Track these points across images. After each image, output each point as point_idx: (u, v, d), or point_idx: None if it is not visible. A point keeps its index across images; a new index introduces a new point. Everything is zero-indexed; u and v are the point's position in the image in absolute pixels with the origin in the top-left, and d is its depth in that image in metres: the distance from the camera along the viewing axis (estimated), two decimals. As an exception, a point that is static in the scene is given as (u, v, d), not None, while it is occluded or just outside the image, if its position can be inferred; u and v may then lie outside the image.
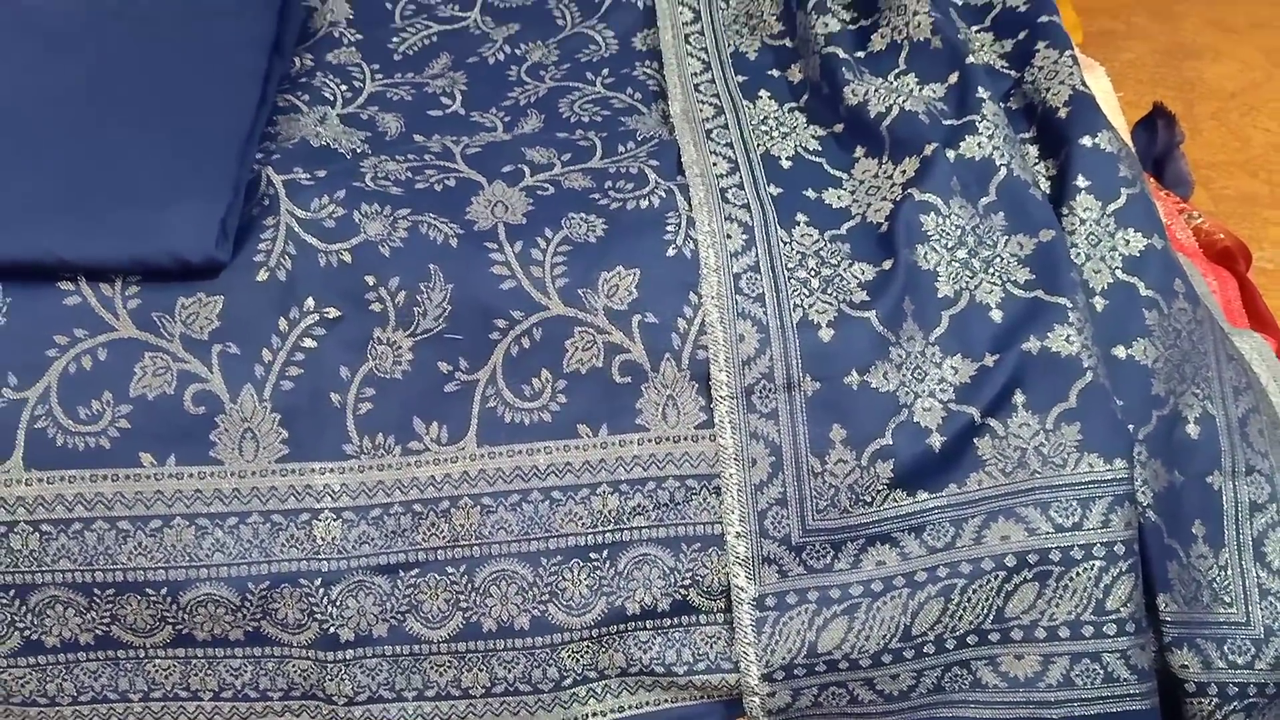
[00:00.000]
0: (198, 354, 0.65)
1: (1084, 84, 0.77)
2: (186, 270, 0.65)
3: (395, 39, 0.90)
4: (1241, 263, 0.82)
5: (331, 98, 0.82)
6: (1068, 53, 0.79)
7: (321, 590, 0.65)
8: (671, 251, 0.68)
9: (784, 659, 0.64)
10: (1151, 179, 0.91)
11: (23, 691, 0.67)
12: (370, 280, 0.66)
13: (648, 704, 0.67)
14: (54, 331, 0.65)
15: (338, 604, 0.65)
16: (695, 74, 0.83)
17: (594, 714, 0.67)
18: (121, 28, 0.77)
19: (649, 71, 0.86)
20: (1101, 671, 0.64)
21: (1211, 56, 1.13)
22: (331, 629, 0.65)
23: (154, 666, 0.67)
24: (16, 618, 0.65)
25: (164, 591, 0.64)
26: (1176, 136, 0.95)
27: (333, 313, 0.66)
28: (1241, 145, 1.03)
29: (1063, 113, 0.76)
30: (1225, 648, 0.65)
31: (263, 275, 0.66)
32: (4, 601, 0.65)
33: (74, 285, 0.65)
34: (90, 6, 0.79)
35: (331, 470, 0.65)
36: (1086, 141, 0.74)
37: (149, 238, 0.64)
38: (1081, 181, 0.73)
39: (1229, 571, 0.66)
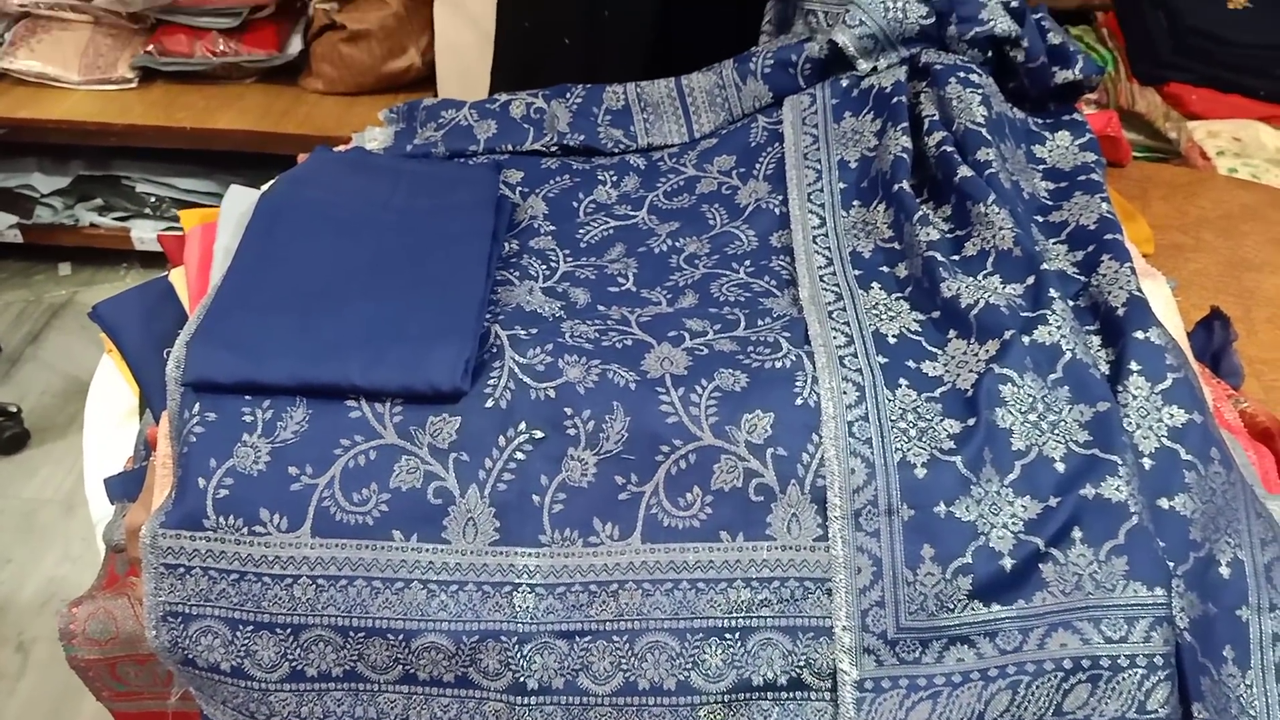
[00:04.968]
0: (439, 459, 0.82)
1: (1139, 290, 0.91)
2: (438, 396, 0.82)
3: (581, 230, 1.11)
4: (1279, 441, 0.95)
5: (535, 275, 1.02)
6: (1127, 264, 0.93)
7: (516, 647, 0.79)
8: (799, 401, 0.83)
9: (878, 733, 0.78)
10: (1207, 369, 1.04)
11: (283, 711, 0.82)
12: (568, 411, 0.83)
13: (766, 761, 0.80)
14: (340, 436, 0.82)
15: (528, 659, 0.79)
16: (820, 267, 0.99)
17: (722, 765, 0.79)
18: (389, 218, 1.00)
19: (782, 264, 1.03)
20: (1143, 760, 0.74)
21: (1270, 270, 1.25)
22: (521, 679, 0.80)
23: (384, 698, 0.82)
24: (289, 651, 0.80)
25: (400, 637, 0.80)
26: (1230, 335, 1.07)
27: (539, 434, 0.83)
28: (1292, 346, 1.15)
29: (1120, 311, 0.89)
30: (1251, 752, 0.75)
31: (490, 403, 0.83)
32: (282, 637, 0.80)
33: (357, 403, 0.83)
34: (366, 204, 1.02)
35: (530, 554, 0.81)
36: (1139, 335, 0.87)
37: (414, 371, 0.82)
38: (1134, 366, 0.86)
39: (1254, 689, 0.76)
